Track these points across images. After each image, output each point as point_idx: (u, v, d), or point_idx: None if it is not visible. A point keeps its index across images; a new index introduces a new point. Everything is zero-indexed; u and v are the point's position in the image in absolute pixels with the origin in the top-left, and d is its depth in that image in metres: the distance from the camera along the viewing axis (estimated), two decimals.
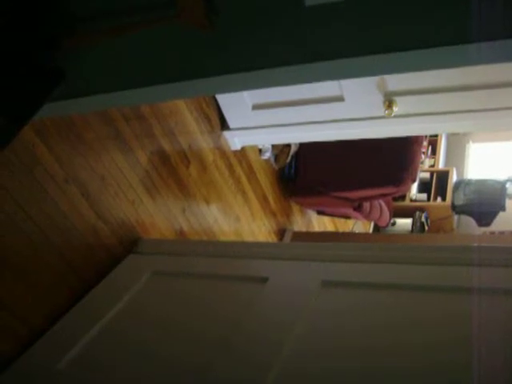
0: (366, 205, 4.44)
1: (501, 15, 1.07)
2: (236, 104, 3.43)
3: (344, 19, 1.18)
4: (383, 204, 4.81)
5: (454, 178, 6.68)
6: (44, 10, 1.39)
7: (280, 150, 4.11)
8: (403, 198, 6.47)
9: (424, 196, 6.60)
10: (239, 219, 3.69)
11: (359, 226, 6.00)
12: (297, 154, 4.27)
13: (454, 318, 1.65)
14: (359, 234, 5.55)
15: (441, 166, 7.22)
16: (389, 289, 1.86)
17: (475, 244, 1.96)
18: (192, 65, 1.39)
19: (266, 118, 3.45)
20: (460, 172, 7.21)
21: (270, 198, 4.17)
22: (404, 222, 6.15)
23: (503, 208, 5.81)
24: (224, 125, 3.59)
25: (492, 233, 6.23)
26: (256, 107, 3.43)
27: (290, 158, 4.19)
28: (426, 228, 6.23)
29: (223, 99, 3.45)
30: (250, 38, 1.29)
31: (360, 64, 1.25)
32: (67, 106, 1.66)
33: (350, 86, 3.07)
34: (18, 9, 1.37)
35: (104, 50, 1.45)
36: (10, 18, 1.35)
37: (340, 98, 3.17)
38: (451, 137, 7.73)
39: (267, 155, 4.00)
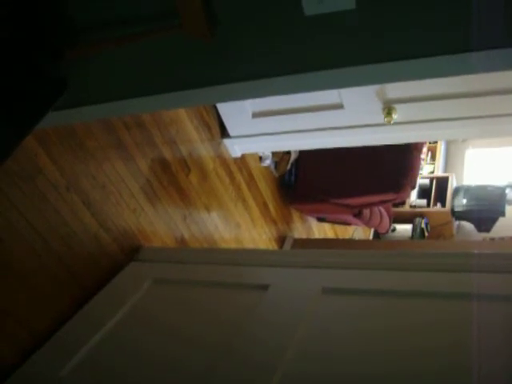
0: (366, 211, 4.45)
1: (502, 24, 1.09)
2: (236, 112, 3.45)
3: (344, 29, 1.20)
4: (383, 210, 4.82)
5: (453, 183, 6.70)
6: (49, 22, 1.41)
7: (280, 157, 4.13)
8: (403, 204, 6.49)
9: (424, 202, 6.61)
10: (240, 226, 3.70)
11: (359, 232, 6.01)
12: (297, 161, 4.28)
13: (454, 324, 1.66)
14: (359, 241, 5.55)
15: (440, 172, 7.24)
16: (389, 295, 1.87)
17: (475, 250, 1.97)
18: (195, 74, 1.41)
19: (266, 125, 3.47)
20: (459, 178, 7.23)
21: (271, 206, 4.18)
22: (404, 229, 6.16)
23: (503, 214, 5.83)
24: (224, 133, 3.61)
25: (492, 239, 6.24)
26: (256, 115, 3.45)
27: (290, 165, 4.20)
28: (426, 234, 6.24)
29: (223, 107, 3.47)
30: (252, 48, 1.30)
31: (362, 73, 1.26)
32: (70, 115, 1.67)
33: (350, 94, 3.09)
34: (24, 21, 1.39)
35: (107, 60, 1.46)
36: (15, 28, 1.37)
37: (339, 106, 3.19)
38: (450, 143, 7.75)
39: (267, 162, 4.01)
